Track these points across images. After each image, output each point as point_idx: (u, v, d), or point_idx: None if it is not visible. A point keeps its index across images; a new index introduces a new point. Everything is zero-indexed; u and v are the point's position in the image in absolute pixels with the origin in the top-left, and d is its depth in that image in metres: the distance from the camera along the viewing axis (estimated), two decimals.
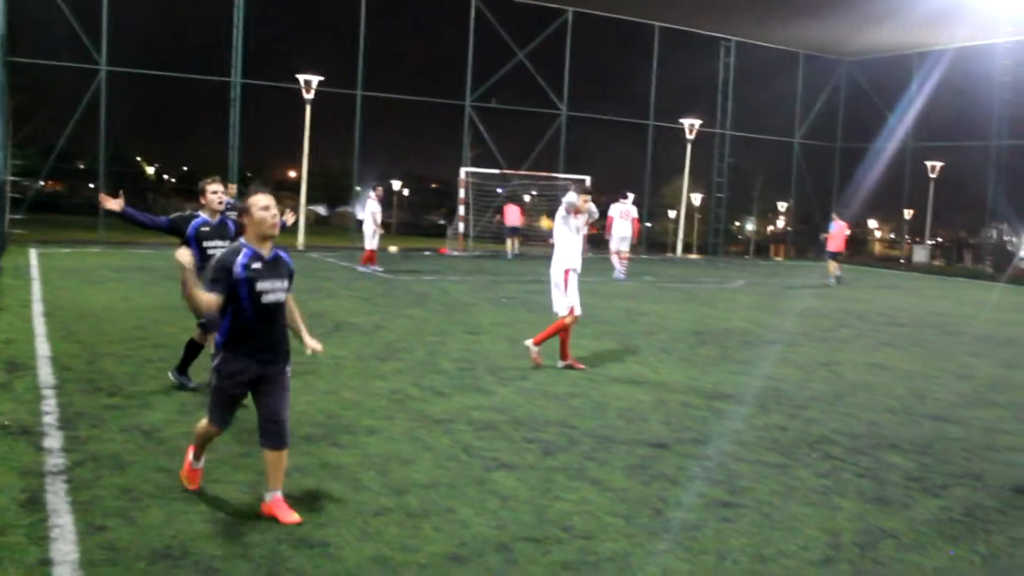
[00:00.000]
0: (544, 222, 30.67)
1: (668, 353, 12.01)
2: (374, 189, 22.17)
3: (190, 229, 8.22)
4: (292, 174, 31.59)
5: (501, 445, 7.29)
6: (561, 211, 10.58)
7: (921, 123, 36.73)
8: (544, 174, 31.45)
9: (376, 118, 32.09)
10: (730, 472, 6.94)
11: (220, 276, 5.37)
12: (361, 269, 21.99)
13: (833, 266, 26.02)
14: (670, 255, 34.70)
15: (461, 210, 29.38)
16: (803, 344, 13.68)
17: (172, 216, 8.37)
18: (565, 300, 10.65)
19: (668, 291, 21.01)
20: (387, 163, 36.39)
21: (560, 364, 10.71)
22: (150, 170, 61.77)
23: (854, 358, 12.64)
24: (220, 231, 8.35)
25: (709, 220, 36.85)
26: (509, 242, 29.41)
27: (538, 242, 31.85)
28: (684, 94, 35.75)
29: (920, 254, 37.59)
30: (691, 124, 32.51)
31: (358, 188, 34.33)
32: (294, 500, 5.75)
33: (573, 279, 10.65)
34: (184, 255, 7.05)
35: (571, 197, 10.43)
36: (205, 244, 8.20)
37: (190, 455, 5.94)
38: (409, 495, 6.01)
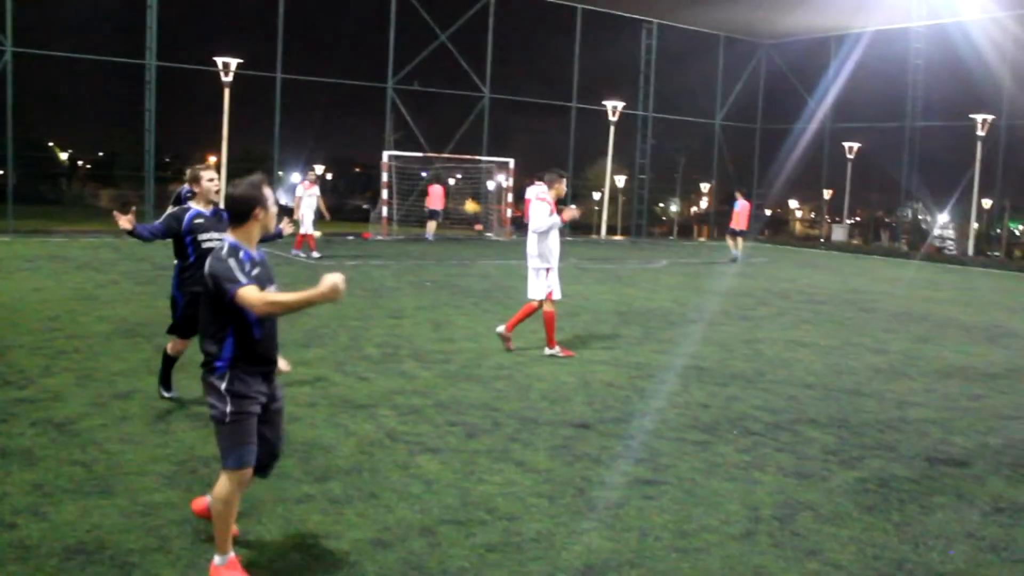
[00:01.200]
0: (469, 205, 30.61)
1: (591, 334, 12.10)
2: (306, 175, 22.28)
3: (184, 224, 7.46)
4: (212, 159, 30.95)
5: (425, 429, 7.27)
6: (548, 197, 10.58)
7: (839, 105, 37.44)
8: (468, 157, 31.37)
9: (298, 102, 31.67)
10: (653, 450, 7.02)
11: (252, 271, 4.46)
12: (297, 252, 21.62)
13: (735, 243, 26.84)
14: (594, 237, 34.91)
15: (384, 194, 29.16)
16: (725, 323, 13.89)
17: (164, 218, 7.54)
18: (544, 285, 10.68)
19: (592, 272, 21.13)
20: (310, 147, 35.85)
21: (500, 328, 10.85)
22: (63, 156, 60.06)
23: (774, 336, 12.87)
24: (216, 223, 7.53)
25: (633, 201, 37.18)
26: (430, 224, 29.35)
27: (463, 225, 31.82)
28: (607, 76, 35.96)
29: (839, 233, 38.40)
30: (614, 106, 32.67)
31: (280, 173, 33.85)
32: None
33: (551, 272, 10.72)
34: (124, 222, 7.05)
35: (557, 183, 10.57)
36: (201, 238, 7.49)
37: (217, 558, 4.59)
38: (331, 481, 5.96)
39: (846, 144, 36.74)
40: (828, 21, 34.32)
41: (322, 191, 22.68)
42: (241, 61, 26.96)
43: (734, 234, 26.94)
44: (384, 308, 13.74)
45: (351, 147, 39.86)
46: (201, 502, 5.09)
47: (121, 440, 6.63)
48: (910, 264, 29.50)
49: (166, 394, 7.84)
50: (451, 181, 31.31)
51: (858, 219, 44.58)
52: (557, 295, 10.77)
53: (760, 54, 39.60)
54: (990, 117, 31.39)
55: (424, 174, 31.43)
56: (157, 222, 7.62)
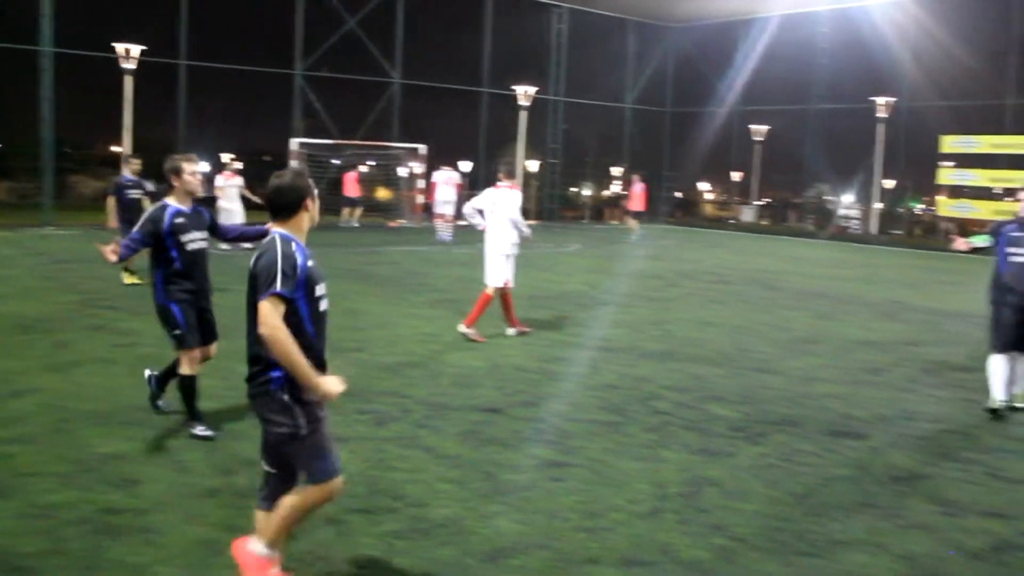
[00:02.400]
0: (381, 192, 30.34)
1: (501, 319, 12.12)
2: (226, 165, 21.87)
3: (165, 225, 6.61)
4: (116, 149, 30.06)
5: (333, 418, 7.12)
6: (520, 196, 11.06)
7: (747, 88, 38.05)
8: (378, 143, 31.09)
9: (203, 89, 30.92)
10: (562, 432, 7.07)
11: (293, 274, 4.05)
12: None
13: (634, 224, 28.57)
14: None
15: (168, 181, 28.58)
16: (635, 304, 14.05)
17: (141, 224, 6.70)
18: (503, 272, 10.89)
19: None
20: (217, 136, 35.06)
21: (464, 328, 10.76)
22: None
23: (683, 316, 13.07)
24: (197, 220, 6.79)
25: (545, 186, 37.32)
26: (346, 211, 29.10)
27: (376, 213, 31.54)
28: (518, 61, 35.89)
29: (748, 214, 39.15)
30: (525, 91, 32.74)
31: None
32: (114, 487, 5.53)
33: (512, 258, 11.03)
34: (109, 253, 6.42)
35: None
36: (184, 239, 6.67)
37: (262, 546, 4.26)
38: (237, 474, 5.87)
39: (754, 127, 37.40)
40: (735, 5, 34.85)
41: None
42: (143, 47, 26.28)
43: (634, 215, 28.85)
44: None
45: (259, 135, 39.14)
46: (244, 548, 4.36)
47: (16, 441, 6.42)
48: (816, 243, 30.23)
49: (203, 432, 6.61)
50: (363, 168, 30.96)
51: (767, 200, 45.41)
52: (512, 283, 11.15)
53: (669, 38, 40.01)
54: (892, 100, 32.31)
55: (335, 162, 31.05)
56: (134, 231, 6.68)
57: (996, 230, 8.21)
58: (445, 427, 7.08)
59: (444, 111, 35.21)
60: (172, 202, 6.76)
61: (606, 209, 39.77)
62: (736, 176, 41.14)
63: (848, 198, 38.88)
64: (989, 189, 32.60)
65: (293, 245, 4.10)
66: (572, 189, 43.11)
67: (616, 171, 40.13)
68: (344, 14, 31.64)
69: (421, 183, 30.14)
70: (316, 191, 4.34)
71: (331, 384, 4.02)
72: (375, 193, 30.08)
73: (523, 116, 32.54)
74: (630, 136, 39.75)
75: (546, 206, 36.61)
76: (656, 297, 15.01)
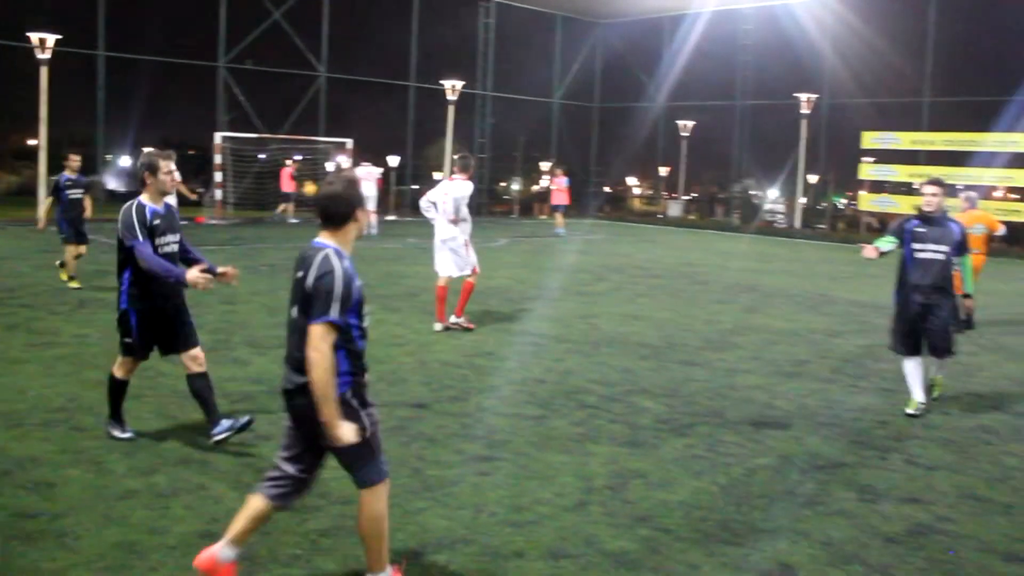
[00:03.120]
0: (308, 187, 29.92)
1: (430, 314, 12.05)
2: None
3: (147, 224, 6.19)
4: (32, 142, 29.22)
5: (258, 417, 7.08)
6: (471, 187, 11.38)
7: (674, 84, 38.41)
8: (305, 137, 30.70)
9: (123, 81, 30.19)
10: (489, 427, 7.06)
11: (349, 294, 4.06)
12: None
13: (559, 218, 28.79)
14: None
15: (218, 176, 28.25)
16: (562, 299, 14.10)
17: (139, 227, 6.16)
18: (468, 261, 11.20)
19: (431, 252, 21.02)
20: (138, 129, 34.24)
21: (440, 326, 11.06)
22: None
23: (611, 310, 13.15)
24: (171, 221, 6.40)
25: (473, 181, 37.18)
26: (282, 207, 28.82)
27: (307, 208, 31.10)
28: (446, 55, 35.74)
29: (675, 209, 39.52)
30: (452, 85, 32.62)
31: (108, 157, 32.33)
32: (27, 491, 5.38)
33: (471, 245, 11.35)
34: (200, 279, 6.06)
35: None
36: (159, 241, 6.25)
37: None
38: (158, 475, 5.75)
39: (681, 122, 37.80)
40: (662, 2, 35.15)
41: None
42: (59, 37, 25.55)
43: (557, 209, 29.06)
44: (217, 294, 13.28)
45: (182, 128, 38.31)
46: (206, 559, 4.30)
47: None
48: (742, 237, 30.67)
49: (121, 435, 6.41)
50: (288, 163, 30.49)
51: (694, 195, 45.95)
52: (461, 272, 11.32)
53: (596, 33, 40.22)
54: (815, 96, 32.91)
55: (261, 156, 30.58)
56: (139, 240, 6.11)
57: (899, 229, 8.17)
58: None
59: (371, 105, 34.85)
60: (146, 201, 6.29)
61: (535, 204, 39.83)
62: (664, 171, 41.50)
63: (773, 193, 39.53)
64: (909, 184, 33.41)
65: (347, 264, 4.10)
66: (501, 184, 43.10)
67: (544, 166, 40.20)
68: (269, 6, 31.18)
69: None
70: (365, 200, 4.30)
71: (346, 430, 4.01)
72: (303, 188, 29.61)
73: (451, 110, 32.41)
74: (558, 131, 39.89)
75: (474, 201, 36.58)
76: (584, 291, 15.09)
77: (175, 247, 6.44)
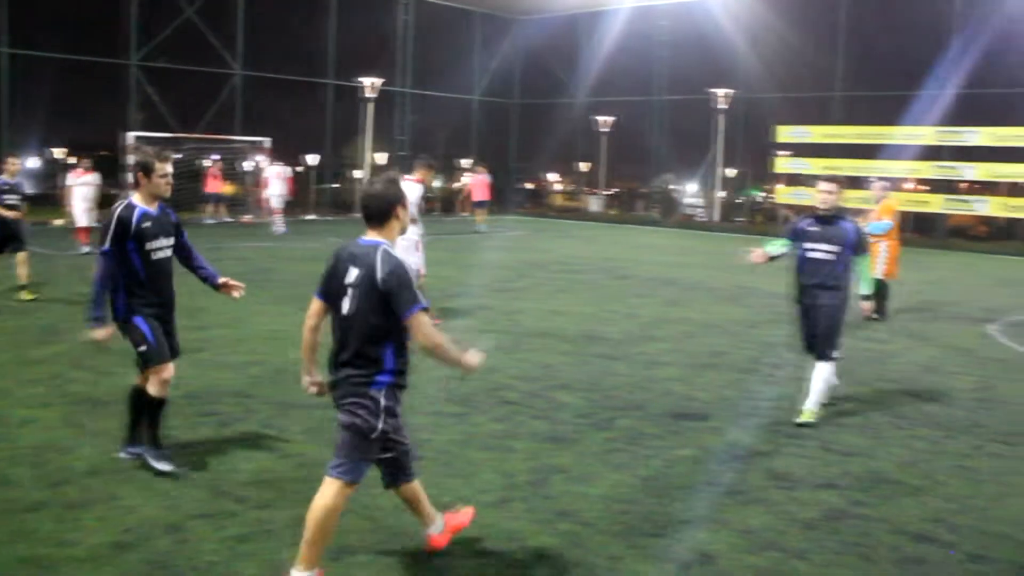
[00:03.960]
0: (226, 188, 29.38)
1: None
2: (79, 162, 20.44)
3: (132, 227, 5.72)
4: None
5: (174, 422, 6.90)
6: (420, 188, 11.50)
7: (593, 80, 38.67)
8: (221, 137, 30.12)
9: (29, 79, 29.22)
10: (409, 426, 6.99)
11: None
12: (86, 247, 19.34)
13: (479, 215, 28.93)
14: (356, 215, 34.45)
15: (131, 178, 27.51)
16: (484, 296, 14.09)
17: (109, 239, 5.67)
18: (416, 261, 11.38)
19: None
20: (45, 129, 33.19)
21: None
22: None
23: (532, 306, 13.19)
24: (164, 225, 5.93)
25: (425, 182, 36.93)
26: (210, 207, 28.27)
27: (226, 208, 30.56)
28: (363, 52, 35.34)
29: (596, 204, 39.79)
30: (371, 82, 32.35)
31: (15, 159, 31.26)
32: None
33: (421, 246, 11.65)
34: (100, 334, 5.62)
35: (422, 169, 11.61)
36: (150, 246, 5.80)
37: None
38: (68, 486, 5.59)
39: (601, 118, 38.07)
40: None
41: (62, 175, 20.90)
42: None
43: (478, 205, 29.14)
44: None
45: (92, 128, 37.20)
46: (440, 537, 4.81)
47: None
48: (663, 232, 31.04)
49: (165, 467, 5.81)
50: (206, 163, 29.88)
51: (615, 190, 46.32)
52: (424, 269, 11.74)
53: (515, 30, 40.29)
54: (730, 91, 33.45)
55: (176, 156, 29.94)
56: (106, 245, 5.67)
57: (792, 230, 7.91)
58: (291, 426, 6.93)
59: (289, 103, 34.23)
60: (138, 202, 5.84)
61: (456, 201, 39.75)
62: (584, 167, 41.76)
63: (692, 187, 40.02)
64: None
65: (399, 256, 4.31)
66: None
67: (465, 163, 40.14)
68: (182, 3, 30.53)
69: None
70: (406, 198, 4.48)
71: (474, 357, 4.53)
72: (222, 188, 29.07)
73: (370, 108, 32.14)
74: (478, 128, 39.87)
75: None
76: (505, 288, 15.10)
77: (168, 252, 5.95)
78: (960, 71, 28.68)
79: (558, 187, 47.45)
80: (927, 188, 30.02)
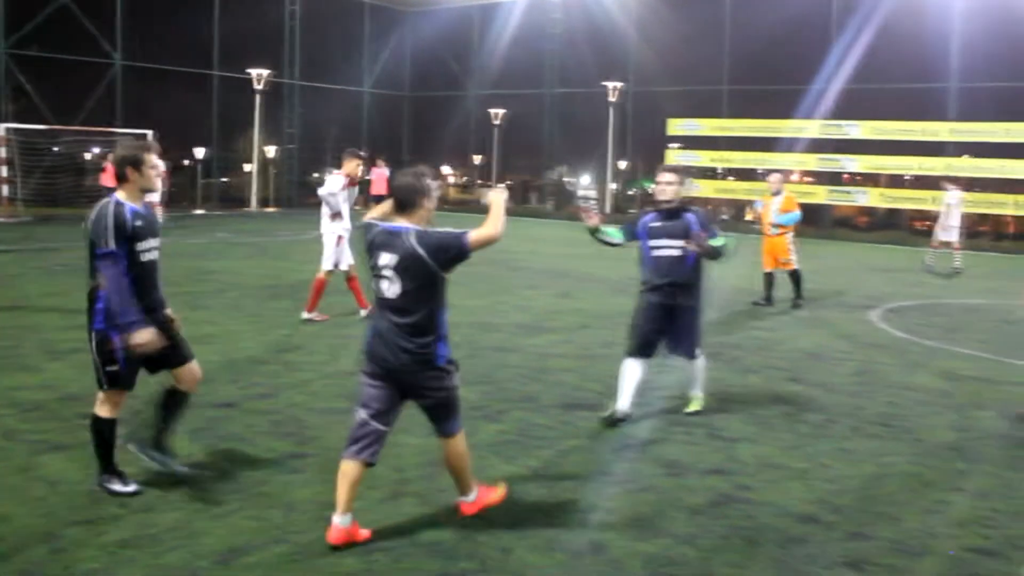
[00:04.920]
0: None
1: (239, 310, 11.71)
2: None
3: (128, 227, 5.25)
4: None
5: (51, 426, 6.68)
6: (342, 180, 11.36)
7: (486, 73, 38.73)
8: (101, 129, 29.08)
9: None
10: (299, 423, 6.90)
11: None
12: None
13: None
14: (246, 209, 33.75)
15: (4, 171, 26.40)
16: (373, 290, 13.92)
17: (114, 229, 5.19)
18: (340, 257, 11.44)
19: (241, 246, 20.45)
20: None
21: (305, 315, 11.26)
22: None
23: None
24: (152, 224, 5.51)
25: (284, 172, 36.41)
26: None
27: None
28: (251, 43, 34.58)
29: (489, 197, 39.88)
30: (259, 74, 31.75)
31: None
32: None
33: (344, 242, 11.46)
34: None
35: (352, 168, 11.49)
36: (141, 247, 5.36)
37: (474, 498, 5.25)
38: None
39: (493, 111, 38.12)
40: None
41: None
42: None
43: (375, 200, 28.04)
44: (3, 297, 12.46)
45: None
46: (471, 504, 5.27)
47: None
48: (556, 224, 31.26)
49: (123, 488, 5.39)
50: (87, 156, 28.90)
51: (508, 183, 46.46)
52: (353, 263, 11.54)
53: (406, 22, 40.04)
54: (621, 84, 33.87)
55: (55, 149, 28.80)
56: (109, 245, 5.16)
57: (632, 222, 7.59)
58: (178, 426, 6.71)
59: (173, 95, 33.23)
60: (125, 200, 5.31)
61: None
62: (477, 159, 41.79)
63: (585, 179, 40.43)
64: (714, 170, 34.97)
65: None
66: (314, 175, 42.30)
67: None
68: None
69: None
70: (433, 190, 4.92)
71: (499, 195, 5.02)
72: (100, 182, 28.05)
73: (258, 100, 31.53)
74: (369, 121, 39.51)
75: (285, 193, 35.73)
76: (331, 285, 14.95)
77: (157, 254, 5.55)
78: (842, 67, 29.71)
79: (452, 180, 47.35)
80: (812, 180, 30.95)
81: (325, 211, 11.44)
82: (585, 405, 7.68)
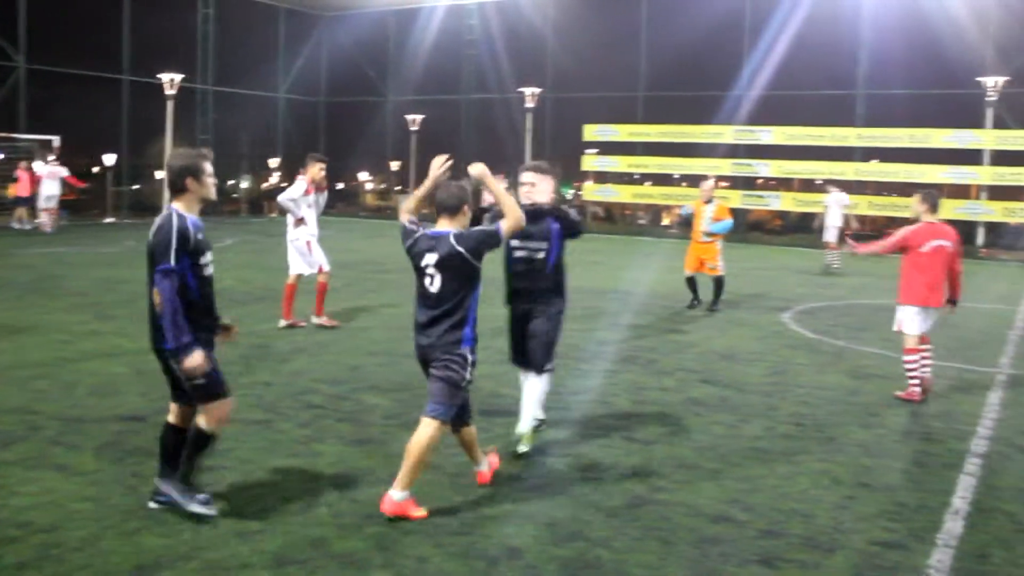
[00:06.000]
0: (11, 190, 27.45)
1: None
2: None
3: (191, 240, 5.04)
4: None
5: None
6: (303, 186, 11.44)
7: (402, 79, 38.58)
8: (3, 135, 28.13)
9: None
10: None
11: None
12: None
13: None
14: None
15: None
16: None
17: (177, 243, 4.98)
18: (311, 261, 11.53)
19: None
20: None
21: (283, 323, 11.35)
22: None
23: (341, 307, 12.98)
24: (207, 236, 5.28)
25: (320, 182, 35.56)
26: (20, 211, 26.02)
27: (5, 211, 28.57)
28: (162, 47, 33.80)
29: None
30: (171, 79, 31.08)
31: None
32: None
33: (315, 244, 11.62)
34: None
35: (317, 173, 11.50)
36: (203, 261, 5.18)
37: (403, 499, 5.29)
38: None
39: (410, 116, 37.99)
40: None
41: None
42: None
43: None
44: None
45: None
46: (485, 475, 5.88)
47: None
48: None
49: (208, 511, 5.18)
50: (23, 164, 27.69)
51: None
52: (327, 267, 11.69)
53: (321, 27, 39.67)
54: (538, 90, 34.04)
55: None
56: (170, 262, 4.95)
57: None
58: (81, 442, 6.52)
59: (81, 100, 32.25)
60: (184, 211, 5.12)
61: (265, 202, 38.74)
62: (395, 166, 41.59)
63: (503, 184, 40.52)
64: (630, 175, 35.37)
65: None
66: (229, 182, 41.63)
67: (273, 162, 39.18)
68: None
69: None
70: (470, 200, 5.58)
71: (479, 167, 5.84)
72: (5, 190, 27.16)
73: (170, 105, 30.86)
74: (284, 127, 39.03)
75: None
76: (313, 290, 14.75)
77: (213, 267, 5.39)
78: (756, 74, 30.35)
79: (369, 186, 47.04)
80: (727, 184, 31.53)
81: (290, 218, 11.47)
82: (501, 412, 7.66)
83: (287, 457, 6.31)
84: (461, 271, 5.40)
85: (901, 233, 8.79)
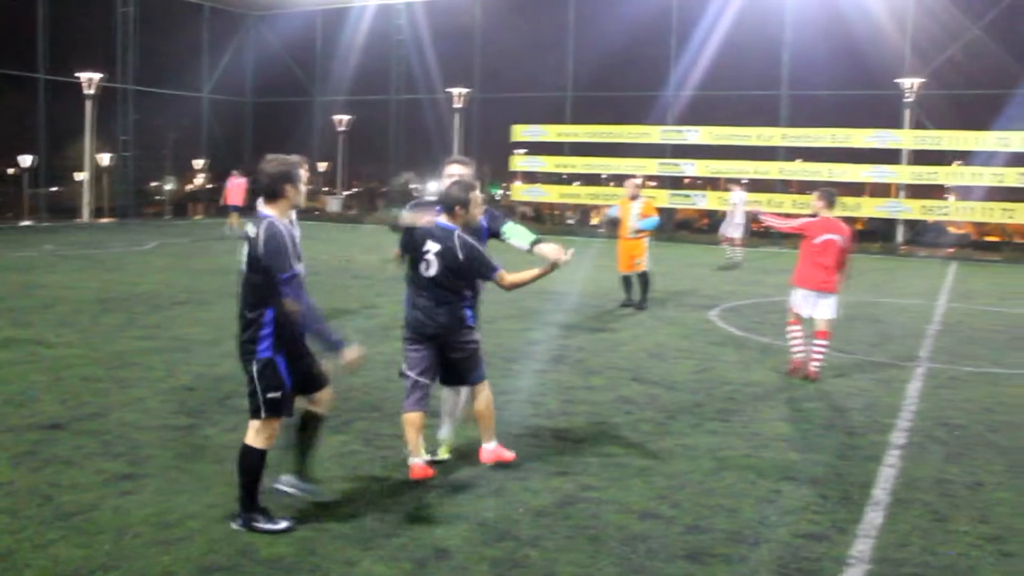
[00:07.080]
0: None
1: (68, 326, 11.12)
2: None
3: (291, 249, 5.01)
4: None
5: None
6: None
7: (330, 79, 38.23)
8: None
9: None
10: (132, 443, 6.60)
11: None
12: None
13: (234, 219, 26.51)
14: (78, 220, 32.16)
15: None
16: (216, 302, 13.49)
17: (285, 251, 4.94)
18: None
19: (71, 259, 19.45)
20: None
21: None
22: None
23: None
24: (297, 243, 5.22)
25: (118, 181, 34.91)
26: None
27: None
28: (81, 45, 32.98)
29: (334, 204, 39.33)
30: (90, 78, 30.35)
31: None
32: None
33: None
34: None
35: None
36: (299, 267, 5.06)
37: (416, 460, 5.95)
38: None
39: (337, 117, 37.67)
40: None
41: None
42: None
43: (235, 210, 26.84)
44: None
45: None
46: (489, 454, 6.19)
47: None
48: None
49: (276, 526, 5.10)
50: None
51: (354, 189, 46.01)
52: None
53: (247, 26, 39.11)
54: (466, 91, 34.02)
55: None
56: (292, 268, 4.93)
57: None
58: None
59: None
60: (277, 216, 5.06)
61: (189, 204, 38.07)
62: (322, 166, 41.21)
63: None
64: (559, 175, 35.52)
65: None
66: (153, 183, 40.85)
67: (198, 164, 38.52)
68: None
69: None
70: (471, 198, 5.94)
71: (556, 254, 6.14)
72: None
73: (89, 105, 30.12)
74: (209, 127, 38.40)
75: (120, 202, 34.16)
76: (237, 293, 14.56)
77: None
78: (682, 74, 30.74)
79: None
80: (655, 184, 31.81)
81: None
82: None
83: (213, 463, 6.20)
84: (456, 268, 5.86)
85: (801, 221, 9.87)
